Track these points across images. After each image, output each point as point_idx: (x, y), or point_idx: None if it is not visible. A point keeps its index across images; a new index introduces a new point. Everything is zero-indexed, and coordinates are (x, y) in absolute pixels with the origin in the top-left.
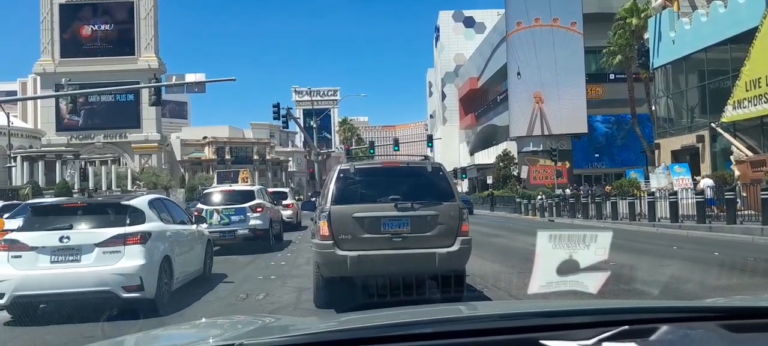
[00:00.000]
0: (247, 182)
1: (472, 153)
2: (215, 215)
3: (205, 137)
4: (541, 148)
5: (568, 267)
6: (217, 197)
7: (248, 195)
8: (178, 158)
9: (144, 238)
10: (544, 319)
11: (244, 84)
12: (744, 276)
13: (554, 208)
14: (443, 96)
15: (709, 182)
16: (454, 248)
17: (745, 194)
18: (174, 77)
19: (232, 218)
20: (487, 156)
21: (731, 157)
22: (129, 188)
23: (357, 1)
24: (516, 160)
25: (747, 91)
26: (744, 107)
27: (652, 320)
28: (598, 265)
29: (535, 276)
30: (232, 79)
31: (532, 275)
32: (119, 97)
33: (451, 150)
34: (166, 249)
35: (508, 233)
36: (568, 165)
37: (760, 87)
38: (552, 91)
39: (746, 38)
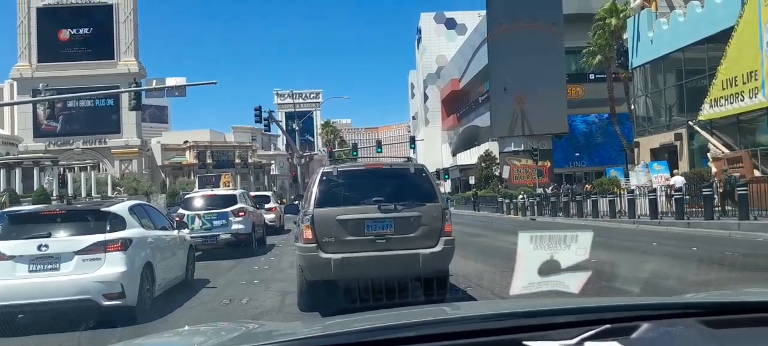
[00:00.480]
0: (228, 186)
1: (454, 154)
2: (197, 220)
3: (186, 142)
4: (523, 148)
5: (550, 266)
6: (198, 202)
7: (230, 199)
8: (159, 163)
9: (125, 244)
10: (526, 319)
11: (225, 87)
12: (722, 271)
13: (536, 207)
14: (425, 97)
15: (681, 179)
16: (438, 248)
17: (721, 190)
18: (154, 81)
19: (215, 222)
20: (470, 157)
21: (708, 154)
22: (109, 194)
23: (338, 3)
24: (498, 161)
25: (723, 89)
26: (721, 105)
27: (634, 318)
28: (580, 263)
29: (518, 276)
30: (212, 83)
31: (514, 274)
32: (98, 102)
33: (434, 151)
34: (148, 255)
35: (491, 232)
36: (548, 164)
37: (736, 86)
38: (533, 92)
39: (723, 38)
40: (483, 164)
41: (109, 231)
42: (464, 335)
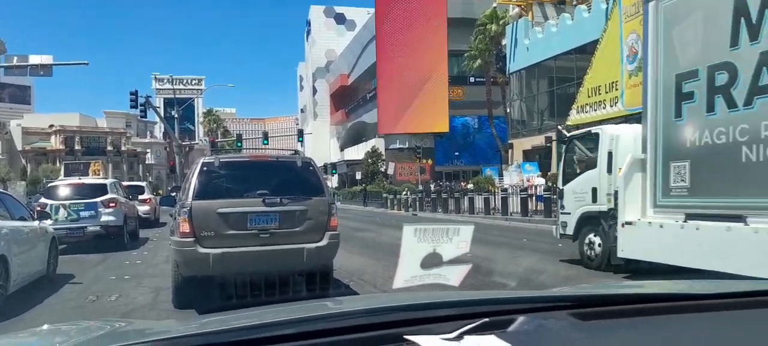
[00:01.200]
0: (98, 174)
1: (342, 149)
2: (61, 211)
3: (51, 126)
4: (407, 146)
5: (431, 260)
6: (64, 191)
7: (100, 189)
8: (19, 148)
9: None
10: (407, 313)
11: (98, 69)
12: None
13: (417, 203)
14: (314, 91)
15: (541, 180)
16: (323, 243)
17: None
18: (15, 58)
19: (82, 213)
20: (357, 152)
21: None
22: None
23: None
24: (383, 157)
25: (589, 97)
26: (586, 112)
27: (510, 311)
28: (460, 257)
29: (400, 270)
30: (83, 63)
31: (397, 268)
32: None
33: (322, 145)
34: (1, 248)
35: (376, 226)
36: (430, 162)
37: (599, 94)
38: (417, 92)
39: (590, 49)
40: (370, 160)
41: None
42: (346, 330)
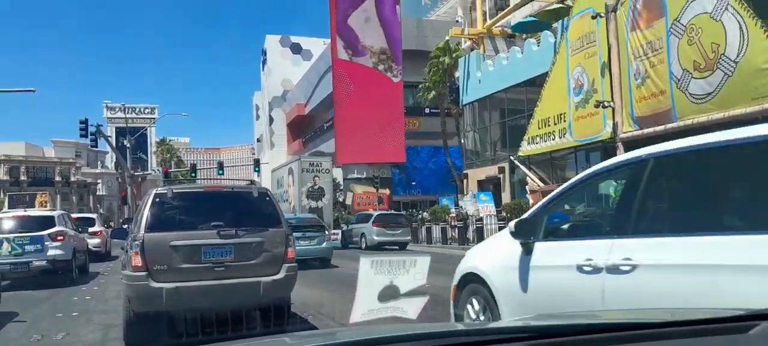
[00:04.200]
0: (45, 206)
1: None
2: (5, 245)
3: None
4: (365, 176)
5: (389, 292)
6: (7, 224)
7: (47, 221)
8: None
9: None
10: None
11: (45, 96)
12: None
13: None
14: (271, 120)
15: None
16: (280, 275)
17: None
18: None
19: (27, 247)
20: None
21: (526, 187)
22: None
23: (179, 16)
24: (341, 187)
25: (539, 129)
26: (536, 143)
27: (469, 343)
28: (418, 289)
29: (358, 303)
30: (30, 90)
31: (354, 302)
32: None
33: None
34: None
35: (334, 258)
36: (388, 192)
37: (548, 126)
38: (374, 122)
39: (539, 81)
40: None
41: None
42: None
